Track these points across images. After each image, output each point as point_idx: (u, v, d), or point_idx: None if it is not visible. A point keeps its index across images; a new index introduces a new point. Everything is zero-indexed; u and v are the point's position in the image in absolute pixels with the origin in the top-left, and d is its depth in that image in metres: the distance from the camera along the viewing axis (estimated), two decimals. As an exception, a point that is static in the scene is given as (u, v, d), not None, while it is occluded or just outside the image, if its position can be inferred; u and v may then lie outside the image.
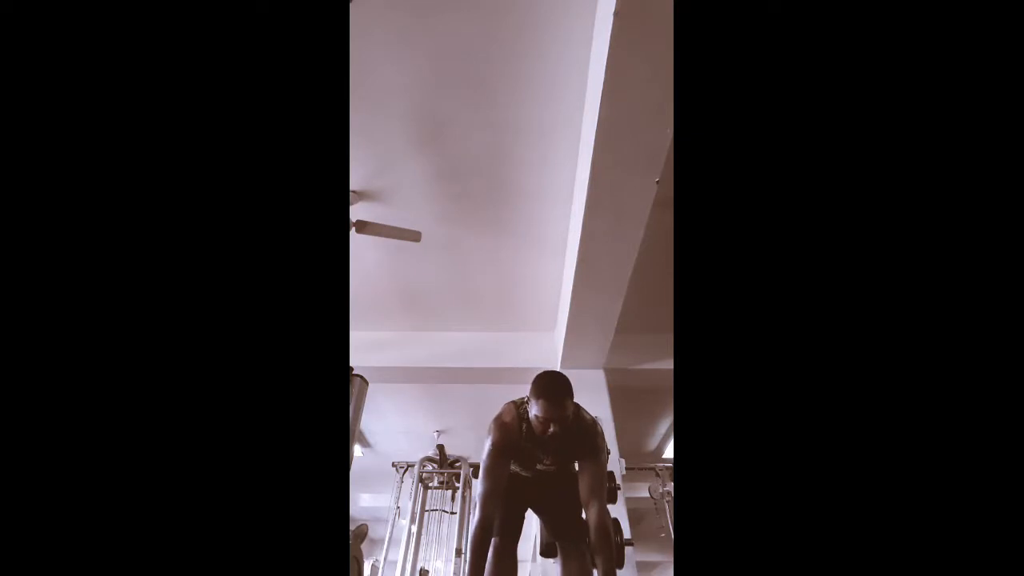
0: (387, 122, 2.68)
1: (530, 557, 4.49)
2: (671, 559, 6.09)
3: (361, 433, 5.36)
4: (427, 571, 3.90)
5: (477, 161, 2.89)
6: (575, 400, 1.57)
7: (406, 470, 4.44)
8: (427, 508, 4.24)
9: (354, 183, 3.02)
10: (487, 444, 1.52)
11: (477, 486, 1.54)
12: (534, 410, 1.45)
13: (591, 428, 1.56)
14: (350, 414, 1.65)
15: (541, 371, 1.55)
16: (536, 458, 1.56)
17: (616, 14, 1.74)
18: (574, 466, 1.64)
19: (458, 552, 3.72)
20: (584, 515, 1.52)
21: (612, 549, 1.46)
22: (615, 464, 3.19)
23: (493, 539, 1.60)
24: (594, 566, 1.58)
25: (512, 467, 1.61)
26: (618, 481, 2.96)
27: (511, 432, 1.52)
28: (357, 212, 3.15)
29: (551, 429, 1.43)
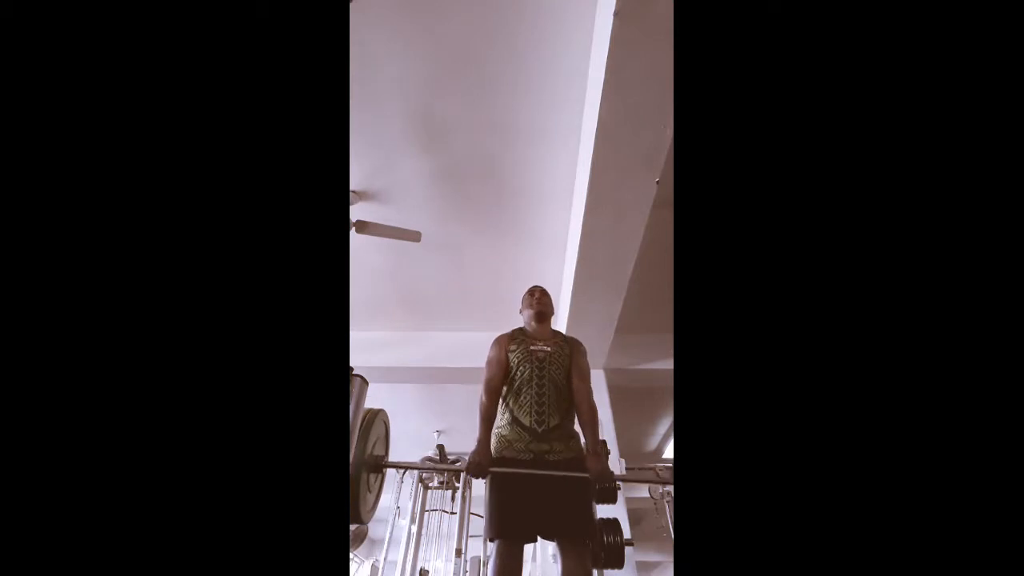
0: (387, 122, 2.68)
1: (530, 557, 4.49)
2: (671, 559, 6.09)
3: (361, 433, 5.35)
4: (427, 571, 3.90)
5: (477, 161, 2.89)
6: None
7: (406, 470, 4.44)
8: (427, 508, 4.24)
9: (354, 183, 3.02)
10: (488, 353, 1.87)
11: (482, 377, 1.84)
12: (525, 298, 1.96)
13: (576, 340, 1.94)
14: (350, 414, 1.68)
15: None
16: (529, 342, 1.85)
17: (616, 14, 1.74)
18: (574, 431, 1.81)
19: (458, 552, 3.71)
20: (575, 398, 1.81)
21: (596, 422, 1.77)
22: (615, 464, 3.19)
23: (498, 540, 1.59)
24: (591, 564, 1.58)
25: (517, 420, 1.76)
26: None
27: (506, 336, 1.91)
28: (357, 212, 3.15)
29: (538, 295, 1.93)
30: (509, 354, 1.83)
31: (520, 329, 1.94)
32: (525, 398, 1.76)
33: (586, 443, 1.74)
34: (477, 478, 1.67)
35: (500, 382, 1.81)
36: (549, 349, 1.83)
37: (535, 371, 1.78)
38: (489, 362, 1.86)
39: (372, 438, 1.69)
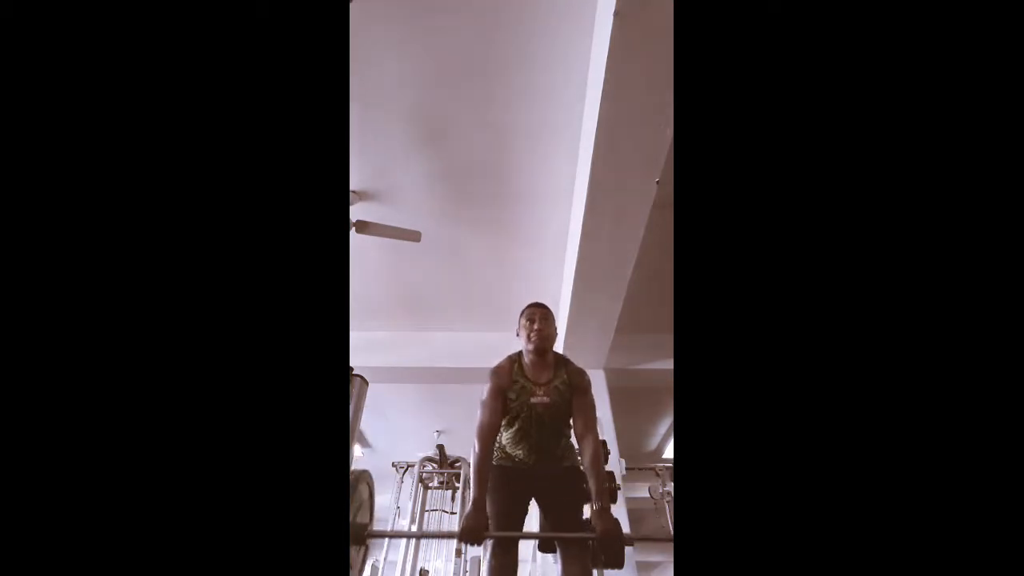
0: (387, 122, 2.68)
1: (530, 557, 4.49)
2: (671, 559, 6.09)
3: (361, 433, 5.37)
4: (427, 571, 3.91)
5: (477, 161, 2.89)
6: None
7: (406, 470, 4.45)
8: (427, 508, 4.24)
9: (354, 183, 3.02)
10: (485, 389, 1.69)
11: (476, 418, 1.67)
12: (522, 321, 1.74)
13: (579, 371, 1.74)
14: (350, 414, 1.65)
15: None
16: (529, 391, 1.67)
17: (616, 14, 1.74)
18: (569, 443, 1.75)
19: (458, 552, 3.72)
20: (579, 446, 1.68)
21: (604, 475, 1.60)
22: (615, 464, 3.19)
23: (492, 543, 1.60)
24: (591, 564, 1.59)
25: (508, 443, 1.71)
26: (618, 481, 2.96)
27: (504, 372, 1.71)
28: (357, 212, 3.15)
29: (536, 326, 1.69)
30: (509, 403, 1.68)
31: (519, 363, 1.73)
32: (522, 446, 1.72)
33: (592, 496, 1.57)
34: (473, 545, 1.51)
35: (495, 429, 1.66)
36: (548, 400, 1.67)
37: (534, 424, 1.68)
38: (484, 405, 1.66)
39: (354, 505, 1.50)
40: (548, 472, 1.71)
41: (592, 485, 1.57)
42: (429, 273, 3.69)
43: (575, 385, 1.70)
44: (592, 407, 1.71)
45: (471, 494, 1.55)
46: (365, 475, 1.64)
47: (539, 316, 1.72)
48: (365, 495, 1.62)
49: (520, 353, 1.74)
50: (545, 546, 1.73)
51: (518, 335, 1.77)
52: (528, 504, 1.76)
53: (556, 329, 1.77)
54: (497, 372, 1.71)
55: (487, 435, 1.62)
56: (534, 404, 1.66)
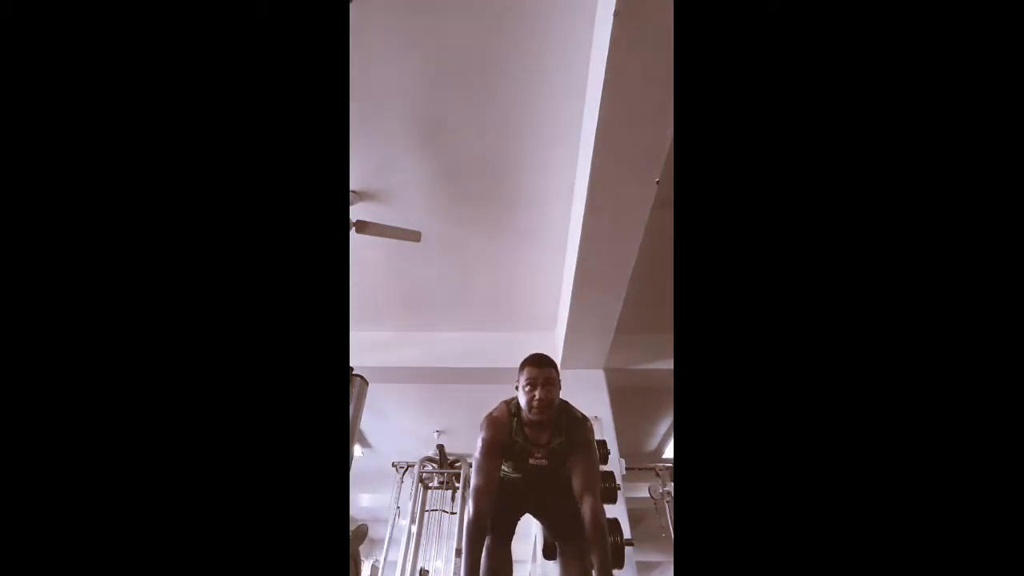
0: (387, 122, 2.68)
1: (530, 557, 4.49)
2: (671, 559, 6.09)
3: (361, 433, 5.36)
4: (427, 571, 3.91)
5: (477, 161, 2.89)
6: (570, 403, 1.66)
7: (406, 470, 4.45)
8: (427, 508, 4.25)
9: (354, 183, 3.02)
10: (479, 441, 1.57)
11: (471, 482, 1.57)
12: (522, 381, 1.55)
13: (581, 423, 1.61)
14: (350, 414, 1.64)
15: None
16: (527, 452, 1.58)
17: (616, 14, 1.74)
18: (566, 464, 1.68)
19: (458, 552, 3.72)
20: (581, 509, 1.55)
21: (607, 544, 1.49)
22: (615, 464, 3.19)
23: (487, 538, 1.60)
24: (590, 565, 1.59)
25: (505, 468, 1.65)
26: (618, 481, 2.96)
27: (502, 426, 1.57)
28: (357, 212, 3.15)
29: (538, 395, 1.50)
30: (504, 464, 1.60)
31: (518, 417, 1.58)
32: (512, 483, 1.67)
33: (595, 568, 1.46)
34: None
35: (492, 494, 1.51)
36: (546, 463, 1.57)
37: (527, 476, 1.63)
38: (480, 467, 1.53)
39: None
40: (544, 480, 1.70)
41: (594, 557, 1.45)
42: (429, 273, 3.69)
43: (573, 443, 1.57)
44: (593, 464, 1.57)
45: (461, 573, 1.43)
46: (357, 535, 1.40)
47: (541, 382, 1.52)
48: None
49: (519, 405, 1.59)
50: (548, 552, 1.73)
51: (515, 388, 1.60)
52: (524, 507, 1.76)
53: (560, 385, 1.59)
54: (494, 425, 1.57)
55: (483, 504, 1.47)
56: (532, 465, 1.58)
